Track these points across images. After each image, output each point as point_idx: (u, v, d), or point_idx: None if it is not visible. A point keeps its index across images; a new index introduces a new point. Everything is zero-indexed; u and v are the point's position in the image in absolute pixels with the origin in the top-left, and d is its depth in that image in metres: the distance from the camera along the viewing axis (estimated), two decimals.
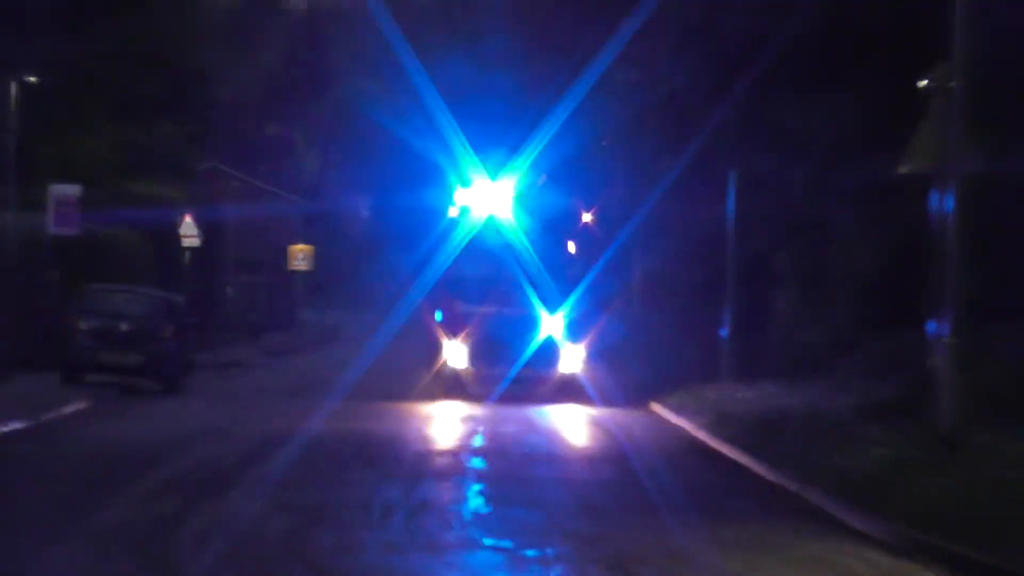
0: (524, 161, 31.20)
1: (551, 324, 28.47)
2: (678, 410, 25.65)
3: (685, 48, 28.66)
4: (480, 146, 32.92)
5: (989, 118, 19.20)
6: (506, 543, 13.09)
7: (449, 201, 29.42)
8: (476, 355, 28.64)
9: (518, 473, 18.36)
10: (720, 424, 22.53)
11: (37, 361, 27.53)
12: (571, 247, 29.23)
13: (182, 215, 36.68)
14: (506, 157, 31.73)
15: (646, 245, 34.24)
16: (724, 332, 29.70)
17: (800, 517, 15.32)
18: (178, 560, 11.81)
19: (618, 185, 37.32)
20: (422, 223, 39.13)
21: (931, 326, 17.83)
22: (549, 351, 28.55)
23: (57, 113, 34.44)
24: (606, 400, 27.96)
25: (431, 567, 12.01)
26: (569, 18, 34.05)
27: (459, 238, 29.18)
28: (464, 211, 29.26)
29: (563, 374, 28.79)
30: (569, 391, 28.53)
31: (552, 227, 29.50)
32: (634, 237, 32.41)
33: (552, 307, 28.43)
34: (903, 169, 19.05)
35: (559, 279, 28.58)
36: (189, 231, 36.50)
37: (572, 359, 28.82)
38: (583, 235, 29.30)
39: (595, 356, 29.30)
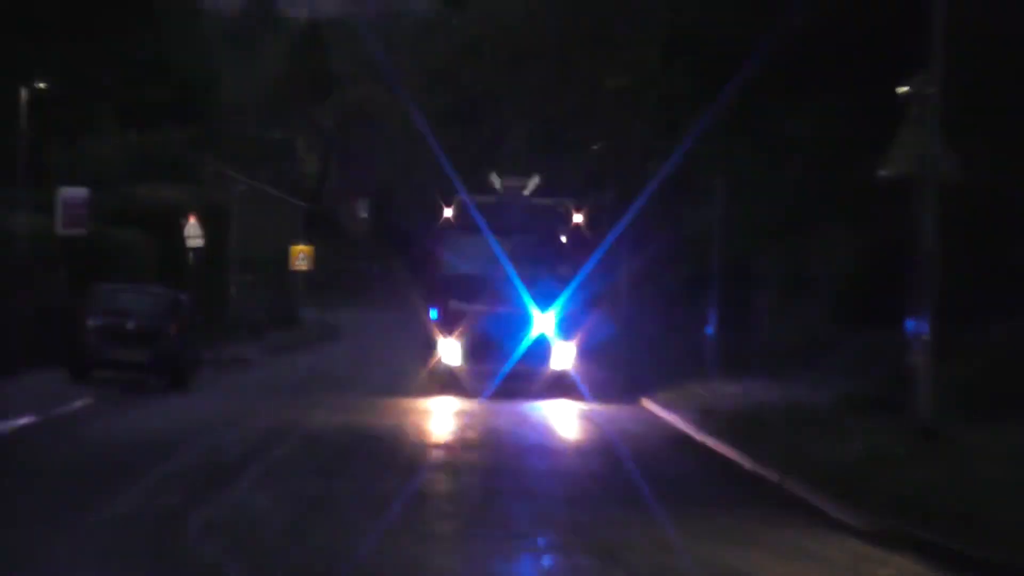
0: (518, 163, 31.48)
1: (543, 322, 28.54)
2: (667, 405, 25.84)
3: (673, 55, 29.06)
4: (476, 146, 33.24)
5: (966, 124, 19.79)
6: (499, 532, 13.43)
7: (444, 203, 29.61)
8: (470, 352, 28.79)
9: (511, 465, 18.65)
10: (706, 418, 22.75)
11: (46, 358, 27.78)
12: (562, 247, 29.35)
13: (187, 216, 37.05)
14: (500, 159, 32.01)
15: (635, 245, 34.29)
16: (710, 330, 30.09)
17: (781, 507, 15.70)
18: (186, 546, 12.14)
19: (608, 187, 37.63)
20: (419, 224, 39.33)
21: (909, 323, 18.31)
22: (541, 348, 28.67)
23: (66, 118, 34.75)
24: (596, 395, 28.19)
25: (427, 555, 12.22)
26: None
27: (454, 239, 29.43)
28: (459, 212, 29.43)
29: (555, 370, 28.89)
30: (561, 387, 28.64)
31: (543, 228, 29.62)
32: (623, 238, 32.49)
33: (544, 306, 28.48)
34: (883, 173, 19.35)
35: (551, 278, 28.65)
36: (193, 232, 36.54)
37: (563, 356, 28.92)
38: (574, 235, 29.36)
39: (585, 353, 29.34)
